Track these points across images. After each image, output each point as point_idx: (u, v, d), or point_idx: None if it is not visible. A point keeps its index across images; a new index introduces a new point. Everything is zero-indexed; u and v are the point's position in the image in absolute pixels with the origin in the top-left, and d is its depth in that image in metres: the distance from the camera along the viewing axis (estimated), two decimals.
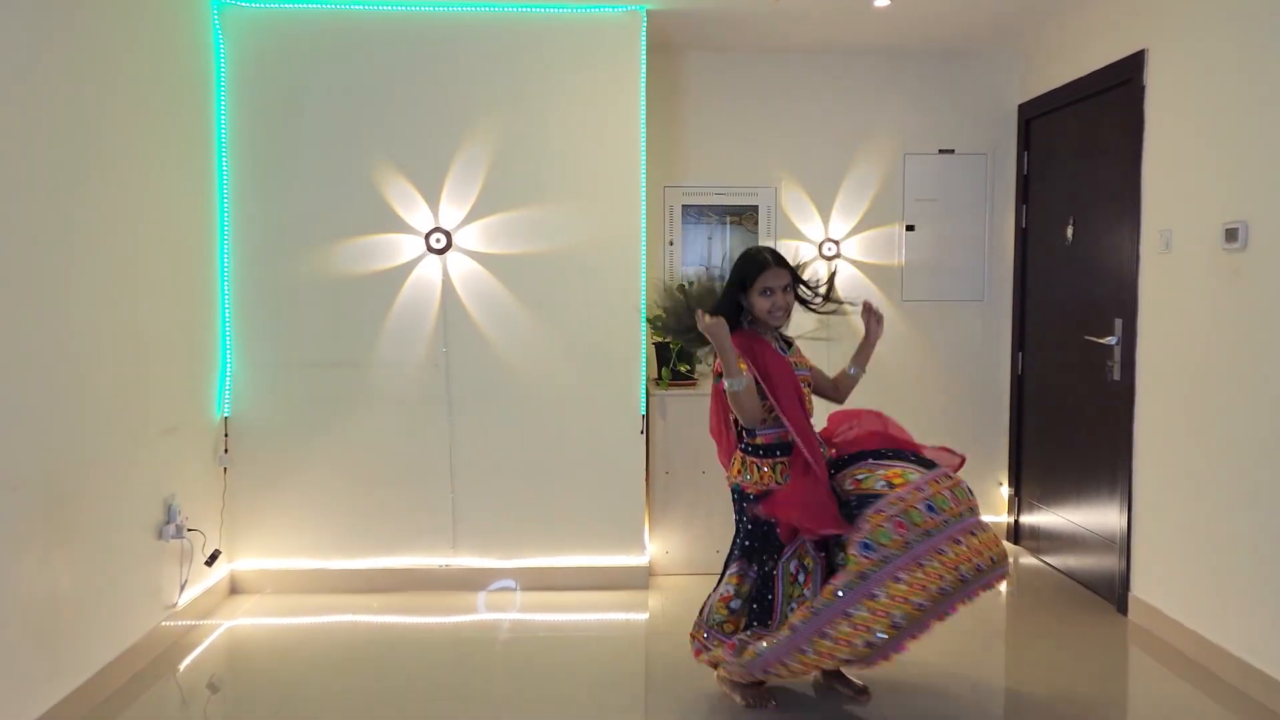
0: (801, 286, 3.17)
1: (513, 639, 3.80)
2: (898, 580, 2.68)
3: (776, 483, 2.98)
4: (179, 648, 3.67)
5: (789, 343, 3.22)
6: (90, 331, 3.17)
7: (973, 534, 2.76)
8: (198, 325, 4.01)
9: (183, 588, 3.79)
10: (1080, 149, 4.50)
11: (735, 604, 3.06)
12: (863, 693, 3.18)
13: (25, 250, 2.83)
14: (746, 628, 3.02)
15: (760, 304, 3.01)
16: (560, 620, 3.98)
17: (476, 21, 4.21)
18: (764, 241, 5.10)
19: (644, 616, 4.03)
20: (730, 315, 3.02)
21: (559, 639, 3.78)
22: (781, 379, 2.96)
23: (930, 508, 2.74)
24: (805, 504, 2.86)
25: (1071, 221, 4.54)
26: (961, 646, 3.75)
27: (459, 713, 3.13)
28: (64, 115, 3.02)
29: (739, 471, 3.06)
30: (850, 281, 5.13)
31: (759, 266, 3.01)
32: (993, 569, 2.75)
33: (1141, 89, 3.91)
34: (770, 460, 3.01)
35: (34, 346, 2.87)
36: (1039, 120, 4.89)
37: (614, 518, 4.37)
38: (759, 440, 3.02)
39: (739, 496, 3.07)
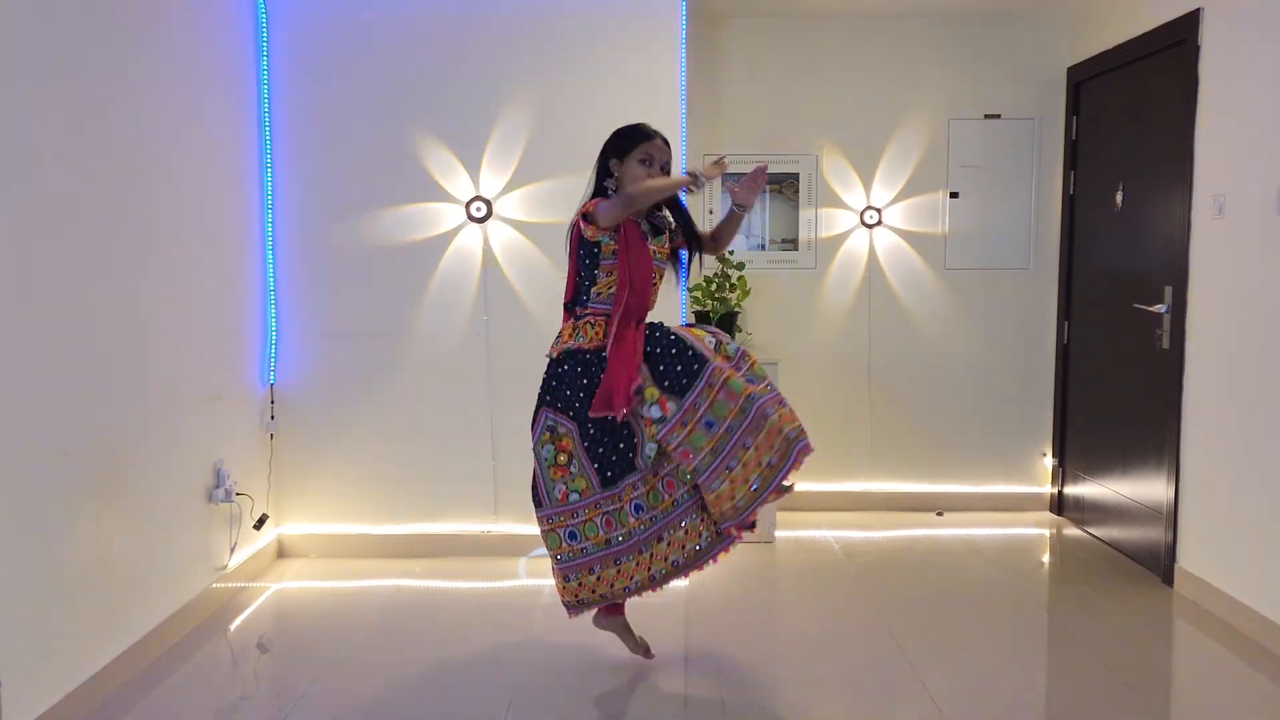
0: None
1: (553, 604, 3.83)
2: (745, 447, 2.78)
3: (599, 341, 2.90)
4: (229, 609, 3.76)
5: (660, 230, 3.07)
6: (141, 299, 3.23)
7: (781, 404, 2.89)
8: (245, 294, 4.07)
9: (232, 550, 3.88)
10: (1131, 113, 4.39)
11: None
12: (647, 651, 3.22)
13: (77, 220, 2.89)
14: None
15: (637, 172, 2.90)
16: None
17: None
18: (804, 211, 5.06)
19: (684, 583, 4.05)
20: (597, 191, 2.99)
21: None
22: (639, 263, 2.90)
23: (750, 379, 2.89)
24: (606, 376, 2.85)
25: (1121, 187, 4.45)
26: (1003, 618, 3.73)
27: (499, 676, 3.17)
28: (113, 88, 3.06)
29: (570, 335, 2.96)
30: (892, 250, 5.08)
31: (642, 135, 2.94)
32: (800, 438, 2.82)
33: (1196, 50, 3.80)
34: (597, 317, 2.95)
35: (86, 314, 2.93)
36: (1088, 84, 4.78)
37: None
38: (590, 310, 2.96)
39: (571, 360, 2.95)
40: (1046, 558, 4.57)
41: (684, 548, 2.96)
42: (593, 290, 2.96)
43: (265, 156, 4.21)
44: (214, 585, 3.73)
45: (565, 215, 4.28)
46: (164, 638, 3.34)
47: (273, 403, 4.29)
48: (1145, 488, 4.22)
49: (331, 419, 4.34)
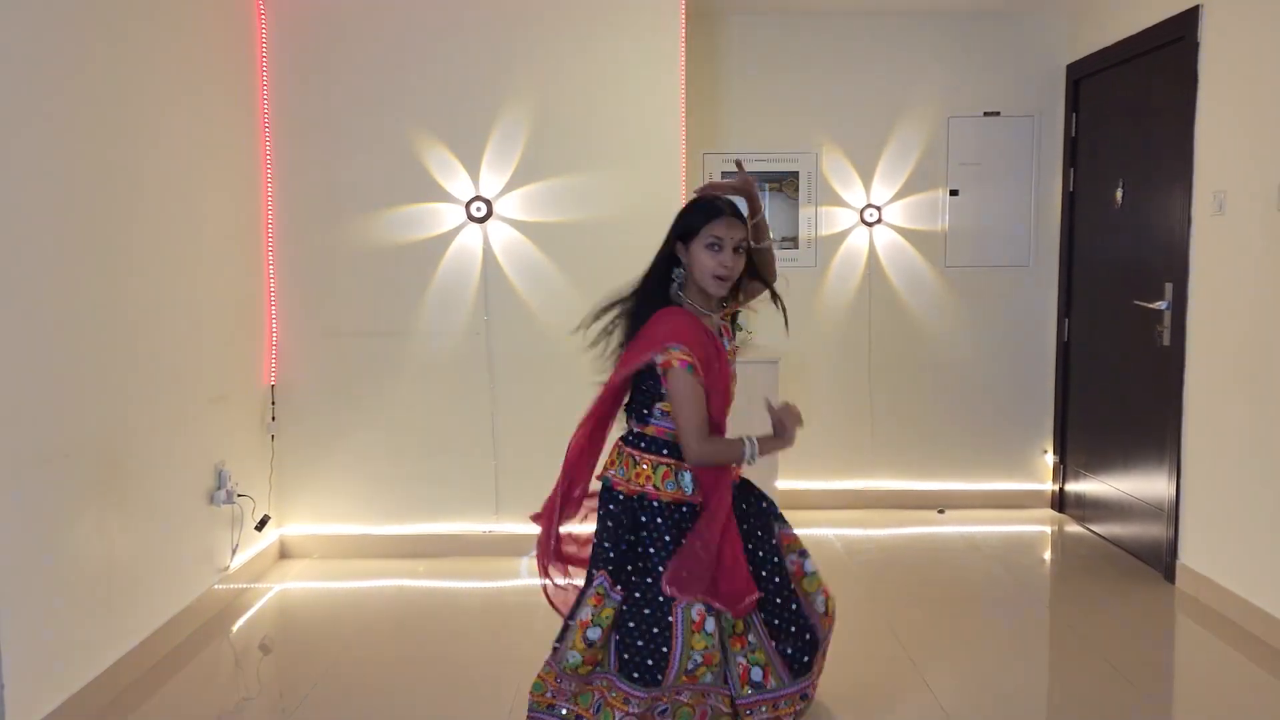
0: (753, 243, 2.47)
1: None
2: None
3: (655, 487, 2.39)
4: (232, 610, 3.76)
5: (730, 321, 2.62)
6: (143, 301, 3.23)
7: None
8: (245, 295, 4.07)
9: (234, 552, 3.88)
10: (1131, 110, 4.39)
11: (593, 634, 2.36)
12: None
13: (80, 220, 2.89)
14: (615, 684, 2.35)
15: (704, 261, 2.35)
16: None
17: None
18: (804, 209, 5.06)
19: None
20: (660, 281, 2.45)
21: None
22: (722, 390, 2.40)
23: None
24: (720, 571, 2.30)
25: (1121, 184, 4.45)
26: (1005, 615, 3.73)
27: (503, 675, 3.17)
28: (113, 90, 3.06)
29: (613, 464, 2.49)
30: (893, 248, 5.08)
31: (712, 211, 2.36)
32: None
33: (1195, 46, 3.80)
34: (654, 457, 2.41)
35: (87, 316, 2.93)
36: (1088, 80, 4.78)
37: None
38: (650, 431, 2.42)
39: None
40: (1048, 555, 4.58)
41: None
42: (657, 406, 2.40)
43: (265, 156, 4.21)
44: (216, 586, 3.73)
45: (565, 214, 4.31)
46: (166, 639, 3.34)
47: (274, 404, 4.29)
48: (1146, 484, 4.23)
49: (333, 420, 4.34)
